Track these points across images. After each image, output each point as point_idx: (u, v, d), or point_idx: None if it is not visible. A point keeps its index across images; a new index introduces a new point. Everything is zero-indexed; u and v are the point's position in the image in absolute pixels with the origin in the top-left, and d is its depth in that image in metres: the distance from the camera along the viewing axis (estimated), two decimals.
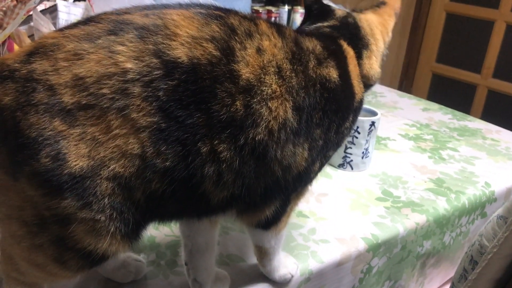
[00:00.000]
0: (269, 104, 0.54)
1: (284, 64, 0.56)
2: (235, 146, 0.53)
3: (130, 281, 0.69)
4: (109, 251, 0.52)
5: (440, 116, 1.55)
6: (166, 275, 0.72)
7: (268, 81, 0.54)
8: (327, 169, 1.10)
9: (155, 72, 0.49)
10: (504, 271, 0.70)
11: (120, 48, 0.49)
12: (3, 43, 1.11)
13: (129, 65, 0.48)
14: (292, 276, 0.73)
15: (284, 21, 2.70)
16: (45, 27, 1.18)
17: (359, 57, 0.71)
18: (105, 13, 0.53)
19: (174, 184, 0.51)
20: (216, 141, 0.52)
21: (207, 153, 0.52)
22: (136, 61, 0.49)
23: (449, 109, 1.62)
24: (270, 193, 0.60)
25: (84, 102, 0.47)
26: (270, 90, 0.54)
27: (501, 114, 2.91)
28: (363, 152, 1.07)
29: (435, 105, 1.65)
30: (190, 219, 0.64)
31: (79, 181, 0.47)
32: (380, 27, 0.77)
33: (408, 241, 0.92)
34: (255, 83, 0.53)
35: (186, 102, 0.50)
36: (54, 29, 1.18)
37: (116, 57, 0.48)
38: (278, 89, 0.55)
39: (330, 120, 0.62)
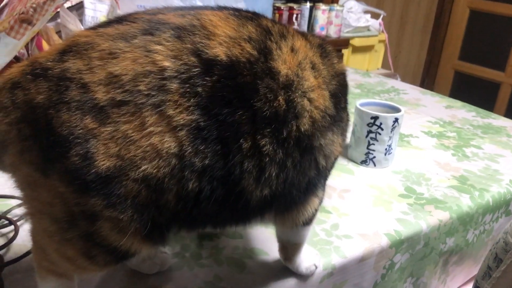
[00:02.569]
0: (311, 95, 0.57)
1: (316, 60, 0.60)
2: (277, 139, 0.54)
3: (155, 273, 0.71)
4: (132, 249, 0.53)
5: (464, 113, 1.54)
6: (191, 267, 0.73)
7: (306, 76, 0.57)
8: (349, 165, 1.10)
9: (193, 70, 0.50)
10: None
11: (157, 47, 0.50)
12: (32, 39, 1.14)
13: (166, 64, 0.49)
14: (317, 267, 0.73)
15: (305, 18, 2.70)
16: (72, 23, 1.20)
17: None
18: (138, 13, 0.54)
19: (212, 183, 0.52)
20: (259, 136, 0.53)
21: (248, 149, 0.52)
22: (174, 60, 0.50)
23: (473, 107, 1.60)
24: (313, 186, 0.61)
25: (118, 98, 0.48)
26: (309, 83, 0.57)
27: None
28: (386, 149, 1.07)
29: (458, 103, 1.64)
30: (224, 226, 0.63)
31: (106, 181, 0.48)
32: None
33: (431, 238, 0.92)
34: (294, 78, 0.55)
35: (228, 99, 0.51)
36: (81, 25, 1.20)
37: (153, 56, 0.49)
38: (315, 81, 0.58)
39: (347, 104, 0.67)
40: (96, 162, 0.47)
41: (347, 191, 0.98)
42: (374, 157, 1.08)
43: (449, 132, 1.36)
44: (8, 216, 0.80)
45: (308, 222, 0.66)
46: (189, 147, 0.49)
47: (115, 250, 0.52)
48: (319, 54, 0.61)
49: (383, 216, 0.91)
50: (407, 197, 0.98)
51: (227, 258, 0.75)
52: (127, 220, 0.50)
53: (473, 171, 1.12)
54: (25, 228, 0.79)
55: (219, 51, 0.51)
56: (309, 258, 0.73)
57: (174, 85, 0.49)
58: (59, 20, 1.25)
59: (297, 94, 0.55)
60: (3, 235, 0.78)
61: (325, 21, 2.76)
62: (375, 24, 3.13)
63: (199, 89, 0.50)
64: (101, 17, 1.28)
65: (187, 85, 0.49)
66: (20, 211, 0.82)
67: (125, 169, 0.48)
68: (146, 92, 0.48)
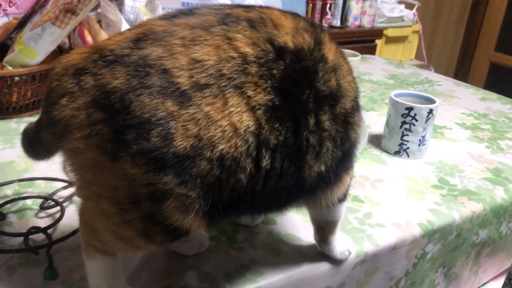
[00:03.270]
0: (348, 78, 0.64)
1: (339, 49, 0.66)
2: (332, 115, 0.60)
3: (194, 254, 0.73)
4: (191, 227, 0.56)
5: (499, 106, 1.52)
6: (227, 250, 0.75)
7: (342, 62, 0.64)
8: (382, 156, 1.11)
9: (269, 55, 0.55)
10: None
11: (237, 35, 0.54)
12: (74, 29, 1.18)
13: (247, 49, 0.54)
14: (350, 253, 0.75)
15: (339, 8, 2.68)
16: (112, 13, 1.24)
17: None
18: (199, 8, 0.59)
19: (283, 160, 0.56)
20: (321, 112, 0.59)
21: (313, 125, 0.58)
22: (253, 46, 0.55)
23: (509, 99, 1.58)
24: (346, 162, 0.66)
25: (203, 82, 0.52)
26: (345, 68, 0.64)
27: None
28: (420, 140, 1.07)
29: (493, 95, 1.62)
30: (279, 209, 0.67)
31: (181, 160, 0.51)
32: None
33: (464, 229, 0.92)
34: (337, 63, 0.62)
35: (298, 80, 0.57)
36: (121, 15, 1.23)
37: (234, 43, 0.54)
38: (347, 67, 0.65)
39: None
40: (174, 142, 0.51)
41: (380, 181, 0.99)
42: (408, 148, 1.08)
43: (484, 125, 1.35)
44: (54, 197, 0.84)
45: (343, 198, 0.70)
46: (266, 125, 0.54)
47: (175, 229, 0.55)
48: (335, 46, 0.66)
49: (416, 206, 0.91)
50: (440, 188, 0.98)
51: (262, 243, 0.78)
52: (195, 197, 0.53)
53: (508, 164, 1.11)
54: (70, 209, 0.83)
55: (287, 39, 0.57)
56: (343, 243, 0.75)
57: (254, 69, 0.54)
58: (99, 10, 1.29)
59: (341, 76, 0.62)
60: (50, 215, 0.82)
61: (359, 11, 2.74)
62: (409, 14, 3.08)
63: (275, 71, 0.55)
64: (141, 7, 1.32)
65: (264, 68, 0.54)
66: (65, 193, 0.86)
67: (201, 149, 0.51)
68: (228, 76, 0.52)
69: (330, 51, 0.61)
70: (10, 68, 1.12)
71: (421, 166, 1.07)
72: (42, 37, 1.10)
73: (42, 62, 1.15)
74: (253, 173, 0.55)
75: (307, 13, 2.58)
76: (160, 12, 1.34)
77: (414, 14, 3.10)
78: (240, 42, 0.54)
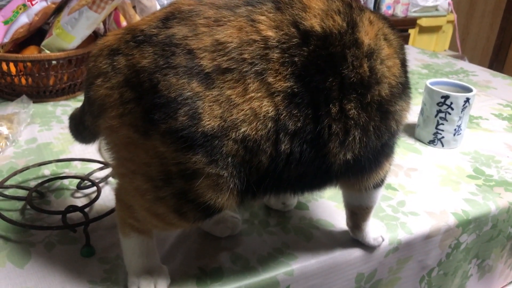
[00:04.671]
0: (388, 63, 0.60)
1: (386, 30, 0.63)
2: (362, 104, 0.57)
3: (227, 236, 0.74)
4: (224, 205, 0.56)
5: None
6: (259, 233, 0.76)
7: (382, 45, 0.60)
8: (416, 145, 1.09)
9: (293, 40, 0.53)
10: None
11: (261, 17, 0.53)
12: (110, 14, 1.19)
13: (269, 33, 0.53)
14: (383, 239, 0.75)
15: None
16: None
17: None
18: None
19: (303, 145, 0.55)
20: (346, 101, 0.56)
21: (336, 113, 0.56)
22: (276, 30, 0.53)
23: None
24: (386, 150, 0.64)
25: (224, 66, 0.51)
26: (385, 52, 0.60)
27: None
28: (455, 129, 1.05)
29: None
30: (305, 190, 0.66)
31: (210, 139, 0.52)
32: None
33: (500, 220, 0.90)
34: (375, 48, 0.59)
35: (321, 67, 0.55)
36: (155, 0, 1.24)
37: (257, 25, 0.53)
38: (389, 51, 0.61)
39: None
40: (202, 122, 0.51)
41: (414, 170, 0.98)
42: (443, 137, 1.06)
43: None
44: (91, 178, 0.86)
45: (380, 184, 0.69)
46: (284, 111, 0.53)
47: (207, 207, 0.56)
48: (388, 25, 0.64)
49: (451, 195, 0.90)
50: (476, 178, 0.97)
51: (294, 227, 0.78)
52: (227, 177, 0.54)
53: None
54: (106, 189, 0.84)
55: (314, 23, 0.55)
56: (376, 229, 0.75)
57: (275, 55, 0.53)
58: None
59: (377, 62, 0.59)
60: (86, 195, 0.84)
61: (392, 0, 2.70)
62: (444, 4, 3.02)
63: (296, 58, 0.53)
64: None
65: (287, 54, 0.53)
66: (101, 174, 0.88)
67: (227, 130, 0.52)
68: (250, 61, 0.52)
69: (367, 34, 0.58)
70: (47, 52, 1.15)
71: (456, 156, 1.05)
72: (79, 22, 1.11)
73: (79, 47, 1.17)
74: (274, 156, 0.55)
75: None
76: None
77: (449, 4, 3.03)
78: (263, 24, 0.53)
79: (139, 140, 0.53)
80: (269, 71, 0.52)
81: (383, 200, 0.86)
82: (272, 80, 0.52)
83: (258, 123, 0.52)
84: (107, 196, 0.82)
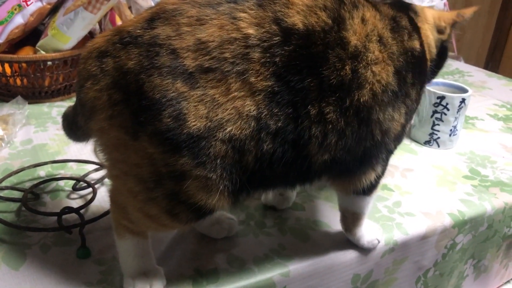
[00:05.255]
0: (373, 68, 0.58)
1: (385, 33, 0.60)
2: (341, 108, 0.56)
3: (223, 237, 0.74)
4: (215, 206, 0.56)
5: None
6: (256, 235, 0.76)
7: (371, 48, 0.58)
8: (412, 145, 1.10)
9: (274, 38, 0.52)
10: None
11: (242, 14, 0.52)
12: (105, 14, 1.19)
13: (250, 31, 0.52)
14: (379, 242, 0.75)
15: None
16: None
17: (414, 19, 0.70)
18: None
19: (284, 145, 0.55)
20: (324, 104, 0.55)
21: (315, 115, 0.55)
22: (257, 27, 0.52)
23: None
24: (368, 158, 0.62)
25: (206, 65, 0.51)
26: (373, 56, 0.58)
27: None
28: (451, 130, 1.05)
29: None
30: (290, 186, 0.66)
31: (196, 141, 0.51)
32: (434, 19, 0.74)
33: (495, 220, 0.90)
34: (362, 50, 0.57)
35: (300, 67, 0.53)
36: (151, 1, 1.24)
37: (238, 23, 0.52)
38: (380, 55, 0.58)
39: (418, 84, 0.66)
40: (188, 123, 0.51)
41: (409, 170, 0.98)
42: (439, 137, 1.06)
43: None
44: (86, 179, 0.85)
45: (365, 192, 0.68)
46: (265, 110, 0.53)
47: (199, 208, 0.55)
48: (390, 27, 0.61)
49: (447, 196, 0.90)
50: (472, 179, 0.97)
51: (290, 228, 0.78)
52: (216, 179, 0.53)
53: None
54: (101, 191, 0.84)
55: (297, 20, 0.53)
56: (371, 232, 0.75)
57: (256, 54, 0.52)
58: None
59: (361, 65, 0.56)
60: (82, 196, 0.83)
61: None
62: (440, 4, 3.01)
63: (277, 59, 0.52)
64: None
65: (268, 54, 0.52)
66: (96, 175, 0.87)
67: (214, 130, 0.51)
68: (231, 60, 0.51)
69: (355, 33, 0.56)
70: (43, 52, 1.14)
71: (451, 156, 1.06)
72: (74, 22, 1.11)
73: (74, 47, 1.16)
74: (258, 156, 0.54)
75: None
76: None
77: (444, 4, 3.03)
78: (244, 22, 0.52)
79: (129, 142, 0.53)
80: (250, 71, 0.52)
81: (379, 201, 0.87)
82: (253, 80, 0.52)
83: (242, 123, 0.52)
84: (103, 198, 0.82)
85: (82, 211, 0.76)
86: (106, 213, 0.75)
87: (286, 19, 0.53)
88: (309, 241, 0.75)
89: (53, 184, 0.86)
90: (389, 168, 0.96)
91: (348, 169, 0.63)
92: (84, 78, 0.56)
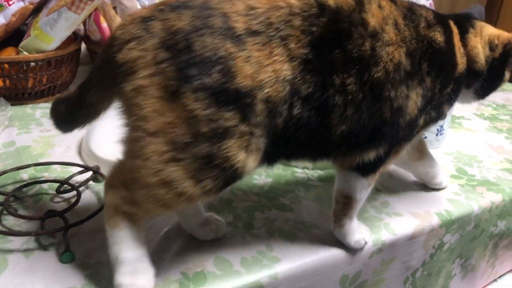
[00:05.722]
0: (387, 49, 0.64)
1: (399, 19, 0.67)
2: (360, 81, 0.62)
3: (210, 239, 0.73)
4: (249, 169, 0.59)
5: None
6: (243, 236, 0.75)
7: (387, 30, 0.64)
8: None
9: (312, 9, 0.60)
10: None
11: None
12: (90, 14, 1.18)
13: (293, 1, 0.60)
14: (366, 243, 0.74)
15: None
16: None
17: (465, 31, 0.77)
18: None
19: (311, 111, 0.60)
20: (346, 75, 0.61)
21: (339, 85, 0.61)
22: None
23: None
24: (375, 135, 0.66)
25: (254, 29, 0.57)
26: (388, 37, 0.64)
27: None
28: (437, 130, 1.05)
29: None
30: (307, 158, 0.71)
31: (242, 97, 0.56)
32: (490, 36, 0.79)
33: (482, 219, 0.91)
34: (379, 30, 0.63)
35: (330, 39, 0.60)
36: (136, 1, 1.22)
37: None
38: (394, 38, 0.65)
39: (436, 75, 0.70)
40: (236, 79, 0.55)
41: (397, 170, 0.98)
42: (425, 137, 1.06)
43: (502, 115, 1.33)
44: (70, 182, 0.84)
45: (360, 169, 0.70)
46: (299, 76, 0.59)
47: (232, 171, 0.58)
48: (404, 15, 0.67)
49: (434, 195, 0.90)
50: (459, 178, 0.97)
51: (278, 229, 0.77)
52: (258, 136, 0.58)
53: None
54: (86, 193, 0.83)
55: None
56: (360, 232, 0.74)
57: (297, 22, 0.59)
58: None
59: (378, 44, 0.63)
60: (66, 199, 0.82)
61: None
62: (425, 3, 3.04)
63: (314, 28, 0.59)
64: None
65: (307, 23, 0.59)
66: (81, 177, 0.86)
67: (255, 90, 0.56)
68: (276, 26, 0.58)
69: (373, 16, 0.63)
70: (26, 53, 1.12)
71: (438, 156, 1.06)
72: (58, 22, 1.09)
73: (58, 48, 1.14)
74: (287, 120, 0.59)
75: None
76: None
77: (430, 4, 3.06)
78: None
79: (168, 99, 0.55)
80: (291, 37, 0.58)
81: (367, 201, 0.86)
82: (293, 46, 0.58)
83: (279, 86, 0.57)
84: (88, 200, 0.81)
85: (66, 214, 0.75)
86: (91, 216, 0.74)
87: None
88: (296, 242, 0.75)
89: (37, 187, 0.84)
90: None
91: (356, 144, 0.66)
92: (124, 41, 0.57)
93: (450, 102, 0.76)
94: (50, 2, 1.12)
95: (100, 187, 0.85)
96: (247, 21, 0.56)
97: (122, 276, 0.60)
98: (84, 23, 1.24)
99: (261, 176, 0.92)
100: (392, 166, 0.99)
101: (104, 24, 1.20)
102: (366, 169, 0.70)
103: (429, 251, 0.85)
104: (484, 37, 0.78)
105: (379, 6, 0.65)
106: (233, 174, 0.58)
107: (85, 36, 1.26)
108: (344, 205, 0.72)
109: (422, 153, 0.88)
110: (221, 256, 0.70)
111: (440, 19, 0.73)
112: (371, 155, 0.68)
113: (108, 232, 0.61)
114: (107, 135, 0.69)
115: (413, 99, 0.67)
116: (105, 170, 0.86)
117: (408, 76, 0.65)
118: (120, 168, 0.62)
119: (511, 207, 0.95)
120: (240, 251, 0.72)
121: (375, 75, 0.62)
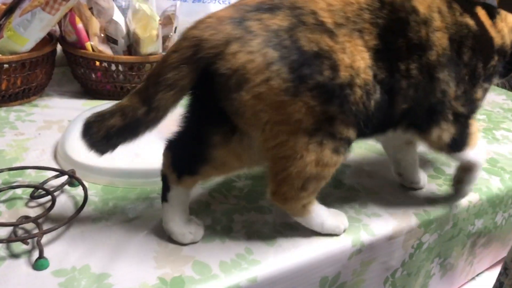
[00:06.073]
0: (437, 34, 0.70)
1: (442, 7, 0.72)
2: (420, 64, 0.69)
3: (188, 243, 0.72)
4: (354, 138, 0.68)
5: (494, 96, 1.51)
6: (222, 240, 0.74)
7: (435, 17, 0.70)
8: (378, 145, 1.10)
9: (376, 4, 0.66)
10: None
11: None
12: (65, 15, 1.15)
13: None
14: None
15: None
16: (104, 0, 1.20)
17: (492, 16, 0.82)
18: None
19: (384, 94, 0.67)
20: (410, 61, 0.68)
21: (404, 70, 0.68)
22: None
23: (503, 90, 1.58)
24: (432, 113, 0.73)
25: (339, 22, 0.62)
26: (436, 24, 0.70)
27: None
28: None
29: None
30: (376, 133, 0.77)
31: (343, 90, 0.62)
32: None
33: (460, 218, 0.91)
34: (428, 17, 0.70)
35: (393, 29, 0.66)
36: (112, 2, 1.21)
37: None
38: (440, 24, 0.71)
39: (474, 54, 0.75)
40: (340, 73, 0.61)
41: (376, 171, 0.98)
42: None
43: (479, 115, 1.34)
44: (45, 186, 0.82)
45: (458, 149, 0.80)
46: (375, 63, 0.65)
47: (349, 140, 0.67)
48: (445, 4, 0.73)
49: (413, 196, 0.91)
50: (436, 178, 0.98)
51: (257, 232, 0.77)
52: (358, 115, 0.65)
53: (503, 154, 1.11)
54: (61, 198, 0.81)
55: None
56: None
57: (367, 15, 0.65)
58: None
59: (430, 29, 0.69)
60: (40, 205, 0.80)
61: None
62: None
63: (379, 20, 0.65)
64: None
65: (373, 16, 0.65)
66: (56, 182, 0.84)
67: (354, 78, 0.62)
68: (353, 19, 0.63)
69: (421, 4, 0.69)
70: None
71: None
72: (32, 23, 1.07)
73: (32, 49, 1.12)
74: (377, 101, 0.66)
75: None
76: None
77: None
78: None
79: (289, 100, 0.59)
80: (365, 30, 0.64)
81: (346, 202, 0.86)
82: (367, 38, 0.64)
83: (368, 71, 0.64)
84: (63, 206, 0.79)
85: (40, 220, 0.73)
86: (67, 221, 0.72)
87: None
88: (275, 244, 0.74)
89: (10, 193, 0.82)
90: (354, 168, 0.96)
91: (417, 120, 0.74)
92: (220, 43, 0.58)
93: (499, 70, 0.83)
94: (24, 2, 1.09)
95: (75, 191, 0.83)
96: (332, 16, 0.62)
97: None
98: (59, 24, 1.21)
99: (241, 178, 0.91)
100: (370, 167, 0.99)
101: (79, 25, 1.17)
102: (458, 146, 0.79)
103: (408, 251, 0.86)
104: (509, 23, 0.84)
105: None
106: (348, 142, 0.67)
107: (61, 37, 1.23)
108: (464, 171, 0.86)
109: (409, 146, 0.91)
110: (199, 261, 0.69)
111: (467, 6, 0.78)
112: (443, 134, 0.76)
113: (303, 222, 0.75)
114: None
115: (451, 82, 0.72)
116: (81, 174, 0.85)
117: (449, 59, 0.71)
118: (281, 180, 0.67)
119: (488, 206, 0.96)
120: (219, 254, 0.71)
121: (430, 58, 0.69)
